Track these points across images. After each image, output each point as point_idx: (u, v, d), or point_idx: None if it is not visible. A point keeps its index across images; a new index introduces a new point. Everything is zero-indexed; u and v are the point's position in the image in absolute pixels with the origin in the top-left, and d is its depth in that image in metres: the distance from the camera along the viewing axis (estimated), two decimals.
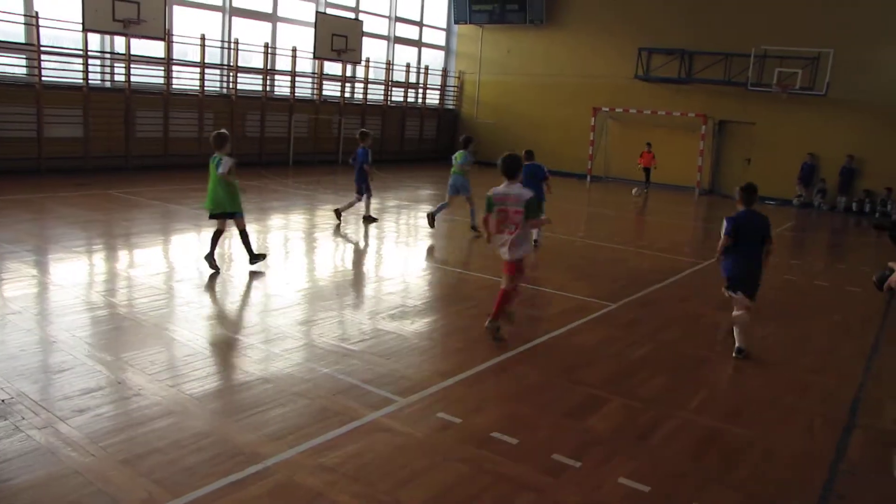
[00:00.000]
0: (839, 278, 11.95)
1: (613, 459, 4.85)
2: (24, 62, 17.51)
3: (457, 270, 10.26)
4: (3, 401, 5.05)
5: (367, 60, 25.70)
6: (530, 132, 27.23)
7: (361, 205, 13.45)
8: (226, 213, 9.26)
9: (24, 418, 4.81)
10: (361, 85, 26.16)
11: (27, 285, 8.09)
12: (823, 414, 5.93)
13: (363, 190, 13.20)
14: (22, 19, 17.10)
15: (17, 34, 17.26)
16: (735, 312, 7.28)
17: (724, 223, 7.17)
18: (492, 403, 5.60)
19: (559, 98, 26.99)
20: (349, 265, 10.55)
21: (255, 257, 9.44)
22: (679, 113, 23.83)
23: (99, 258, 9.91)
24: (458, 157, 13.05)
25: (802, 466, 5.01)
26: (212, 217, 9.33)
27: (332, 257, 10.97)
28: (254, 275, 9.21)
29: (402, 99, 27.94)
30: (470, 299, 8.67)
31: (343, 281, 9.32)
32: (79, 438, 4.60)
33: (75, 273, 8.82)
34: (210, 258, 9.06)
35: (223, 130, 9.01)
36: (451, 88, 30.28)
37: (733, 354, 7.19)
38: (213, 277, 8.85)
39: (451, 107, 30.36)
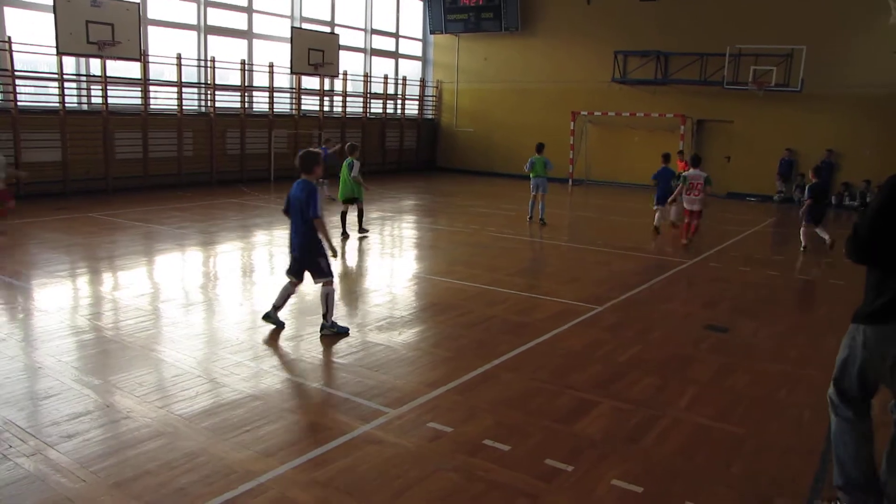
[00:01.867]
0: (822, 272, 12.07)
1: (606, 462, 4.87)
2: None
3: (443, 280, 10.26)
4: None
5: (345, 73, 25.75)
6: (510, 138, 27.42)
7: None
8: (352, 199, 13.31)
9: (11, 446, 4.77)
10: (340, 98, 26.18)
11: (10, 312, 8.03)
12: (812, 406, 5.98)
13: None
14: None
15: None
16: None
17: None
18: (482, 411, 5.61)
19: (538, 104, 27.13)
20: (334, 278, 10.50)
21: (362, 230, 13.57)
22: (657, 114, 24.02)
23: (83, 282, 9.84)
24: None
25: (794, 460, 5.05)
26: (344, 202, 13.40)
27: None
28: (239, 293, 9.17)
29: (381, 110, 27.99)
30: (456, 308, 8.67)
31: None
32: (68, 464, 4.56)
33: (59, 298, 8.74)
34: (344, 233, 13.28)
35: (354, 142, 9.92)
36: (430, 98, 30.36)
37: None
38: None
39: (430, 116, 30.45)
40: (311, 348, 6.98)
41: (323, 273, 7.43)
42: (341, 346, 7.11)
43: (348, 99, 26.45)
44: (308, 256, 7.38)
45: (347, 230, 13.45)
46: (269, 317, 7.62)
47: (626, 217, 18.00)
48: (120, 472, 4.49)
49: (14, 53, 16.97)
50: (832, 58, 21.28)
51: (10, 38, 16.95)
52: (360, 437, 5.04)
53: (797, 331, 8.48)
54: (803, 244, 13.38)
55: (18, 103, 17.17)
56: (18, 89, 17.26)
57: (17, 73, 17.13)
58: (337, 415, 5.39)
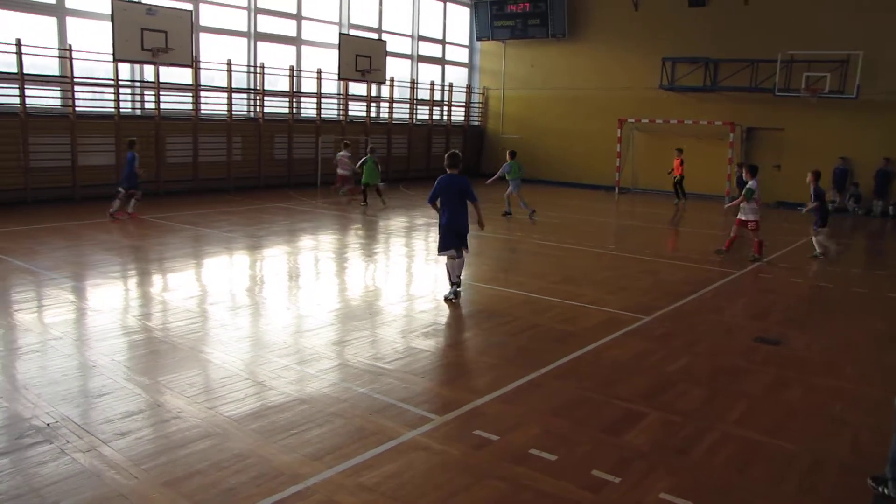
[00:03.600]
0: (879, 284, 11.73)
1: (654, 474, 4.79)
2: (58, 94, 17.91)
3: (487, 287, 10.23)
4: (48, 425, 5.13)
5: (392, 80, 25.91)
6: (556, 146, 27.31)
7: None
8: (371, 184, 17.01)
9: (68, 442, 4.89)
10: (386, 104, 26.35)
11: (66, 311, 8.23)
12: (870, 427, 5.80)
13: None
14: (56, 52, 17.50)
15: (52, 67, 17.65)
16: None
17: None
18: (529, 420, 5.57)
19: (584, 111, 26.97)
20: (380, 284, 10.57)
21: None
22: (706, 121, 23.66)
23: (134, 283, 10.04)
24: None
25: (852, 480, 4.90)
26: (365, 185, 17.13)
27: (363, 277, 11.01)
28: (286, 297, 9.28)
29: (427, 117, 28.10)
30: (501, 315, 8.64)
31: (374, 300, 9.35)
32: (121, 461, 4.65)
33: (112, 298, 8.94)
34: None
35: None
36: (476, 105, 30.38)
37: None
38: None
39: (476, 123, 30.46)
40: (358, 353, 7.01)
41: (466, 245, 9.36)
42: (387, 351, 7.14)
43: (395, 105, 26.62)
44: (467, 232, 9.27)
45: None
46: (456, 294, 9.25)
47: (673, 226, 17.78)
48: (171, 470, 4.57)
49: (74, 61, 17.45)
50: (891, 64, 20.74)
51: (71, 45, 17.44)
52: (407, 443, 5.05)
53: (853, 345, 8.26)
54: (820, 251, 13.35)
55: (77, 109, 17.63)
56: (77, 95, 17.73)
57: (76, 80, 17.60)
58: (383, 420, 5.41)
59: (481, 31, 29.06)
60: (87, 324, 7.85)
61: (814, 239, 13.39)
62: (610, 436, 5.36)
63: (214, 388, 5.96)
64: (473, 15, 29.46)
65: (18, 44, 16.40)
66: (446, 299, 9.23)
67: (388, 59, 25.00)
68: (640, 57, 25.32)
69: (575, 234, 15.21)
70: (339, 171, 20.20)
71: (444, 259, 9.33)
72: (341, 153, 20.27)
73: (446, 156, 9.39)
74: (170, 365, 6.52)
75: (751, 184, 12.58)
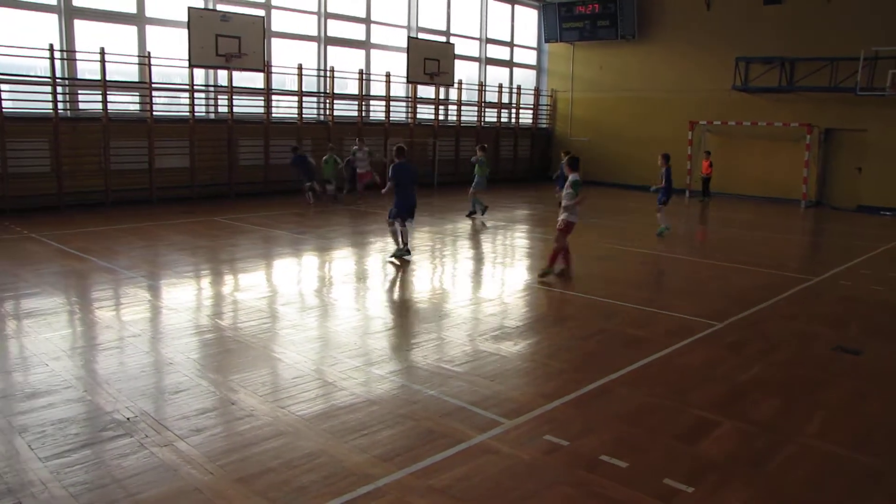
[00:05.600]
0: None
1: (729, 486, 4.66)
2: (137, 99, 18.53)
3: (556, 290, 10.15)
4: (128, 419, 5.30)
5: (460, 82, 25.98)
6: (625, 148, 26.96)
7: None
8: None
9: (147, 436, 5.03)
10: (455, 107, 26.43)
11: (144, 309, 8.50)
12: None
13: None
14: (136, 60, 18.11)
15: (132, 73, 18.28)
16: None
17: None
18: (599, 426, 5.49)
19: (653, 113, 26.53)
20: (447, 286, 10.59)
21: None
22: (781, 123, 22.98)
23: (207, 283, 10.30)
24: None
25: None
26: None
27: (430, 279, 11.06)
28: (354, 299, 9.38)
29: (495, 119, 28.06)
30: (571, 319, 8.56)
31: (442, 303, 9.37)
32: (197, 456, 4.76)
33: (186, 297, 9.19)
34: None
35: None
36: (545, 107, 30.21)
37: None
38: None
39: (544, 125, 30.28)
40: (426, 355, 7.03)
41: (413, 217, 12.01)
42: (456, 354, 7.14)
43: (463, 108, 26.68)
44: (415, 207, 12.02)
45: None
46: (405, 253, 11.64)
47: (745, 230, 17.32)
48: (244, 467, 4.65)
49: (152, 67, 18.03)
50: None
51: (149, 53, 18.03)
52: (477, 447, 5.03)
53: None
54: None
55: (154, 113, 18.20)
56: (154, 100, 18.31)
57: (153, 85, 18.17)
58: (453, 423, 5.40)
59: (550, 33, 28.88)
60: (162, 322, 8.08)
61: None
62: (682, 444, 5.24)
63: (286, 388, 6.06)
64: (542, 17, 29.31)
65: (102, 52, 17.02)
66: (395, 256, 11.62)
67: (457, 61, 25.07)
68: (711, 57, 24.76)
69: (642, 239, 14.95)
70: (359, 170, 20.04)
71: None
72: (357, 151, 19.96)
73: (394, 148, 11.94)
74: (242, 364, 6.66)
75: (573, 177, 10.98)
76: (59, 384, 5.99)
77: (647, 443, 5.23)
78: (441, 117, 25.92)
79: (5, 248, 11.97)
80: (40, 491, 4.31)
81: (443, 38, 25.56)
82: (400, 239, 11.81)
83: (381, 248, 13.25)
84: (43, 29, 16.83)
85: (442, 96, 25.74)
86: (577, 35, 27.93)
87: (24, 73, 16.54)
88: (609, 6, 26.61)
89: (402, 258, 11.73)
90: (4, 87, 16.19)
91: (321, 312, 8.72)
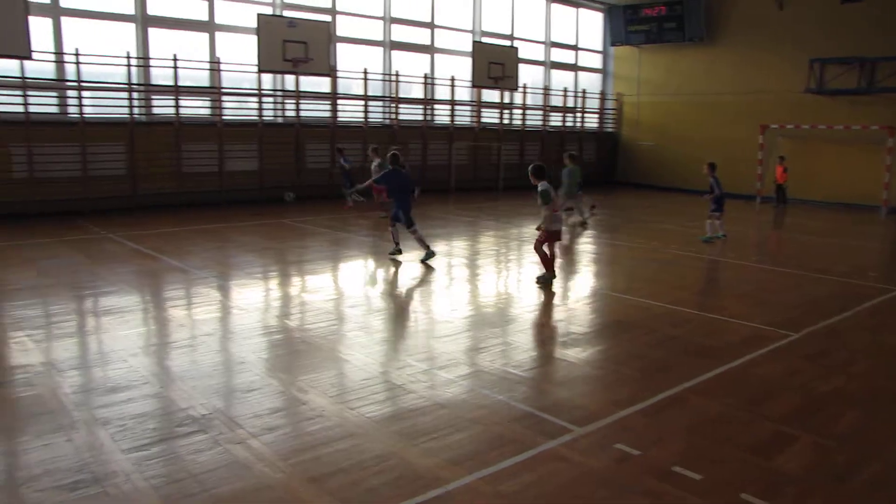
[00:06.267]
0: None
1: (808, 502, 4.50)
2: (208, 103, 19.00)
3: (624, 297, 9.99)
4: (202, 416, 5.41)
5: (524, 86, 25.88)
6: (692, 152, 26.40)
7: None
8: None
9: (221, 433, 5.13)
10: (519, 111, 26.35)
11: (215, 309, 8.68)
12: None
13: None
14: (207, 65, 18.58)
15: (203, 79, 18.75)
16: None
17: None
18: (672, 435, 5.37)
19: (722, 117, 25.97)
20: (514, 291, 10.54)
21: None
22: (859, 126, 22.20)
23: (276, 284, 10.47)
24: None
25: None
26: None
27: (496, 283, 11.02)
28: (420, 302, 9.41)
29: (560, 123, 27.87)
30: (639, 327, 8.40)
31: (508, 307, 9.32)
32: (269, 455, 4.83)
33: (256, 297, 9.35)
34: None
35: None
36: (610, 111, 29.87)
37: None
38: None
39: (610, 130, 29.94)
40: (494, 360, 6.99)
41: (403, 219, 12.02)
42: (524, 359, 7.09)
43: (528, 112, 26.58)
44: (410, 210, 12.04)
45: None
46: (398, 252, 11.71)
47: (821, 237, 16.77)
48: (315, 467, 4.69)
49: (222, 72, 18.48)
50: None
51: (219, 59, 18.48)
52: (547, 454, 4.97)
53: None
54: None
55: (223, 117, 18.63)
56: (224, 105, 18.75)
57: (223, 91, 18.61)
58: (522, 428, 5.35)
59: (615, 36, 28.56)
60: (233, 321, 8.24)
61: None
62: (758, 457, 5.08)
63: (355, 389, 6.10)
64: (607, 20, 29.01)
65: (175, 59, 17.52)
66: (392, 254, 12.13)
67: (521, 65, 25.00)
68: (784, 59, 24.11)
69: (712, 245, 14.61)
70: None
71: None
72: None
73: (389, 156, 12.24)
74: (311, 364, 6.74)
75: (541, 186, 10.22)
76: (137, 380, 6.16)
77: (722, 455, 5.09)
78: (505, 121, 25.86)
79: (86, 247, 12.41)
80: (123, 481, 4.44)
81: (507, 42, 25.51)
82: (396, 236, 12.29)
83: (446, 251, 13.27)
84: (121, 38, 17.43)
85: (506, 100, 25.69)
86: (644, 38, 27.55)
87: (104, 80, 17.13)
88: (676, 8, 26.19)
89: (396, 258, 12.11)
90: (86, 93, 16.81)
91: (388, 315, 8.77)
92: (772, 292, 10.63)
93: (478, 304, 9.49)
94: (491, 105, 25.33)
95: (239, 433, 5.15)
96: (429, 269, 11.54)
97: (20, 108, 15.77)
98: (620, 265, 12.54)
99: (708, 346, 7.73)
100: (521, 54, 25.09)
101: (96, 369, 6.53)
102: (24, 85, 15.85)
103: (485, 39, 24.71)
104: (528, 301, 9.74)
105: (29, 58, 15.29)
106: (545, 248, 10.41)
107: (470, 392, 6.10)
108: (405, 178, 12.15)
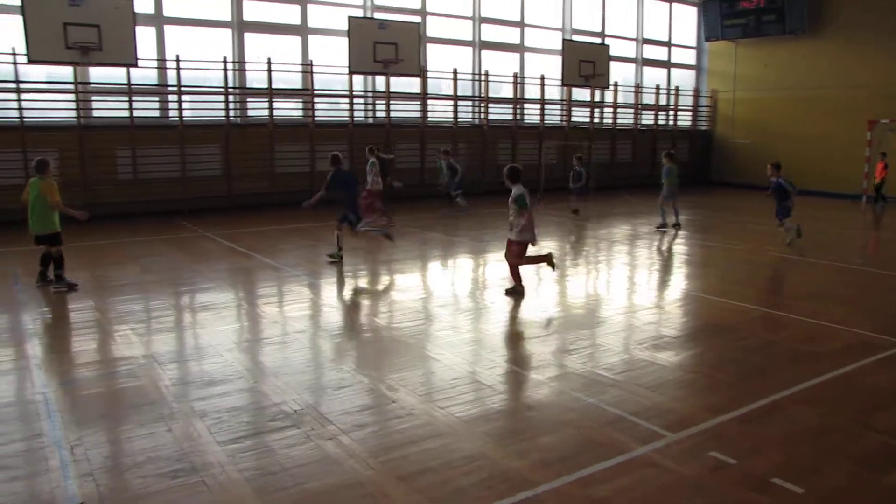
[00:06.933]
0: None
1: None
2: (300, 105, 19.46)
3: (717, 299, 9.67)
4: (295, 411, 5.53)
5: (615, 84, 25.44)
6: (793, 149, 25.32)
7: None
8: None
9: (312, 429, 5.23)
10: (610, 109, 25.93)
11: (307, 307, 8.88)
12: None
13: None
14: (300, 68, 19.03)
15: (296, 81, 19.21)
16: None
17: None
18: (770, 445, 5.15)
19: (824, 112, 24.84)
20: (602, 292, 10.37)
21: None
22: None
23: (365, 282, 10.62)
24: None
25: None
26: None
27: (584, 285, 10.86)
28: (508, 301, 9.35)
29: (652, 122, 27.28)
30: (734, 331, 8.11)
31: (597, 309, 9.16)
32: (359, 451, 4.88)
33: (346, 295, 9.50)
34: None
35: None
36: (704, 108, 29.03)
37: None
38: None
39: (704, 128, 29.10)
40: (584, 362, 6.89)
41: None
42: (615, 361, 6.94)
43: (619, 110, 26.12)
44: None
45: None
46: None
47: None
48: (404, 465, 4.72)
49: (314, 75, 18.89)
50: None
51: (311, 61, 18.90)
52: (638, 459, 4.85)
53: None
54: None
55: (315, 118, 19.04)
56: (316, 106, 19.16)
57: (315, 92, 19.02)
58: (613, 433, 5.24)
59: (710, 31, 27.73)
60: (323, 318, 8.40)
61: None
62: (867, 472, 4.81)
63: (444, 389, 6.11)
64: (701, 15, 28.19)
65: (269, 62, 18.02)
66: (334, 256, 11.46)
67: (612, 63, 24.59)
68: (889, 53, 22.86)
69: (813, 246, 13.97)
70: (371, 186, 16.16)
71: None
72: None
73: (331, 156, 11.70)
74: (401, 363, 6.79)
75: (517, 189, 9.32)
76: (232, 374, 6.35)
77: (826, 467, 4.85)
78: (596, 120, 25.49)
79: (185, 245, 12.91)
80: (219, 472, 4.57)
81: (598, 40, 25.13)
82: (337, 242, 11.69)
83: (534, 251, 13.15)
84: (218, 43, 18.06)
85: (597, 99, 25.32)
86: (740, 32, 26.63)
87: (202, 84, 17.77)
88: (776, 1, 25.21)
89: (336, 260, 11.51)
90: (185, 97, 17.49)
91: (476, 315, 8.75)
92: (876, 297, 10.10)
93: (567, 305, 9.37)
94: (581, 104, 25.02)
95: (330, 429, 5.23)
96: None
97: (125, 113, 16.56)
98: (714, 267, 12.15)
99: (808, 352, 7.40)
100: (612, 52, 24.66)
101: (193, 363, 6.77)
102: (130, 91, 16.62)
103: (575, 37, 24.41)
104: (618, 303, 9.56)
105: (135, 65, 16.05)
106: (515, 258, 9.43)
107: (560, 394, 6.02)
108: (348, 177, 11.79)
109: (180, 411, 5.54)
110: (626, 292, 10.36)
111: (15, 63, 15.12)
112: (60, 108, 16.27)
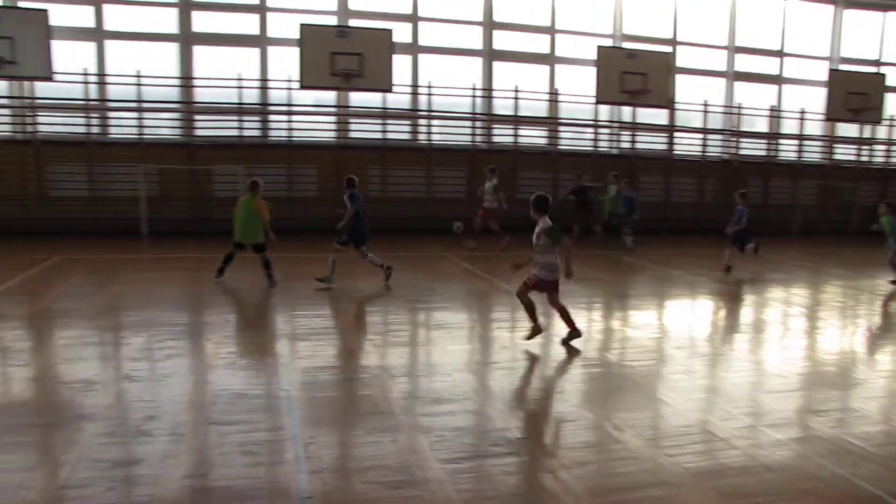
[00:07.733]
0: None
1: None
2: (545, 133, 19.76)
3: None
4: (517, 438, 5.51)
5: (893, 118, 22.96)
6: None
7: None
8: None
9: (532, 459, 5.17)
10: (882, 147, 23.45)
11: (542, 335, 8.78)
12: None
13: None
14: (546, 96, 19.33)
15: (541, 109, 19.55)
16: None
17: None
18: None
19: None
20: (861, 349, 9.29)
21: None
22: None
23: (598, 315, 10.41)
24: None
25: None
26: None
27: (840, 339, 9.78)
28: (750, 351, 8.71)
29: None
30: None
31: (854, 367, 8.21)
32: (577, 489, 4.72)
33: (579, 327, 9.34)
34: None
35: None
36: None
37: None
38: None
39: None
40: (834, 426, 6.14)
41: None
42: (874, 431, 6.09)
43: (893, 147, 23.55)
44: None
45: None
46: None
47: None
48: None
49: (560, 103, 19.12)
50: None
51: (557, 90, 19.14)
52: None
53: None
54: None
55: (559, 147, 19.18)
56: (560, 134, 19.33)
57: (559, 121, 19.22)
58: None
59: None
60: (553, 349, 8.30)
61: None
62: None
63: (673, 436, 5.76)
64: None
65: (516, 90, 18.51)
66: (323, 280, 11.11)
67: (888, 94, 22.25)
68: None
69: None
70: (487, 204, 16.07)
71: None
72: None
73: (346, 179, 11.47)
74: (629, 403, 6.53)
75: (545, 223, 8.19)
76: (459, 395, 6.47)
77: None
78: (864, 158, 23.18)
79: (425, 264, 13.54)
80: (437, 489, 4.65)
81: (873, 69, 22.85)
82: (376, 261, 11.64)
83: (784, 298, 12.18)
84: (468, 70, 19.06)
85: (866, 135, 23.04)
86: None
87: (450, 110, 18.75)
88: None
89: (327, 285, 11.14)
90: (434, 122, 18.51)
91: (714, 361, 8.21)
92: None
93: (816, 361, 8.51)
94: (847, 140, 22.88)
95: (550, 462, 5.14)
96: (757, 312, 10.69)
97: (379, 135, 17.98)
98: None
99: None
100: (888, 81, 22.31)
101: (423, 379, 7.01)
102: (385, 114, 17.94)
103: (844, 67, 22.41)
104: (881, 364, 8.52)
105: (390, 90, 17.37)
106: (529, 296, 8.42)
107: (803, 458, 5.43)
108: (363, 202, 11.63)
109: (406, 424, 5.74)
110: (890, 353, 9.22)
111: (289, 89, 17.07)
112: (323, 129, 18.03)
